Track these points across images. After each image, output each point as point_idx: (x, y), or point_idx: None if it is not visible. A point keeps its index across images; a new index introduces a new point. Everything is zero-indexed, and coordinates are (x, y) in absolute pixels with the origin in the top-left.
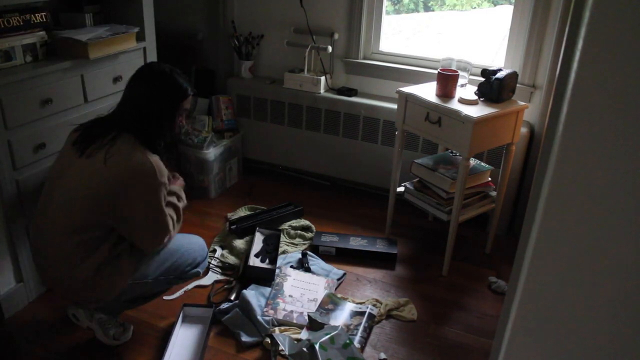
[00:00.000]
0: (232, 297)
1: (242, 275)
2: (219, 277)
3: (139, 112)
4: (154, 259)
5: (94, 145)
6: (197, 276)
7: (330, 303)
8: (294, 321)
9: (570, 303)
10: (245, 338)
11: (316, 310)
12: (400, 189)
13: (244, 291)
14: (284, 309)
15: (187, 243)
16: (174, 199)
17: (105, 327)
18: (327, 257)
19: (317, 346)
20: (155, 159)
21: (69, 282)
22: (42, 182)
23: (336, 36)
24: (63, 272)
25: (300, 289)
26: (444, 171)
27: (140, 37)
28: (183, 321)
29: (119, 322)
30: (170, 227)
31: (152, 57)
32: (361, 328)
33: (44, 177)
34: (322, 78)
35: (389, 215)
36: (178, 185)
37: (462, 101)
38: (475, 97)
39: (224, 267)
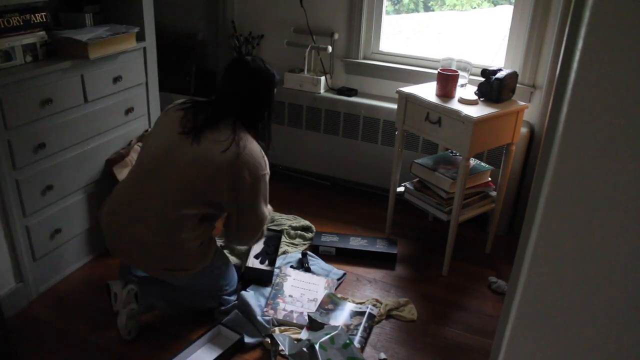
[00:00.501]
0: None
1: (242, 276)
2: None
3: (246, 107)
4: (220, 254)
5: (205, 133)
6: (225, 305)
7: (330, 303)
8: (294, 321)
9: (570, 303)
10: (247, 339)
11: (316, 310)
12: (400, 189)
13: (242, 292)
14: (284, 309)
15: (229, 265)
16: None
17: (129, 320)
18: (327, 257)
19: (317, 346)
20: (262, 151)
21: (167, 253)
22: (42, 181)
23: (336, 36)
24: (164, 245)
25: (300, 289)
26: (444, 171)
27: (140, 37)
28: (209, 340)
29: (138, 320)
30: (266, 215)
31: (152, 57)
32: (361, 328)
33: (44, 177)
34: (322, 78)
35: (389, 215)
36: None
37: (462, 101)
38: (475, 97)
39: None
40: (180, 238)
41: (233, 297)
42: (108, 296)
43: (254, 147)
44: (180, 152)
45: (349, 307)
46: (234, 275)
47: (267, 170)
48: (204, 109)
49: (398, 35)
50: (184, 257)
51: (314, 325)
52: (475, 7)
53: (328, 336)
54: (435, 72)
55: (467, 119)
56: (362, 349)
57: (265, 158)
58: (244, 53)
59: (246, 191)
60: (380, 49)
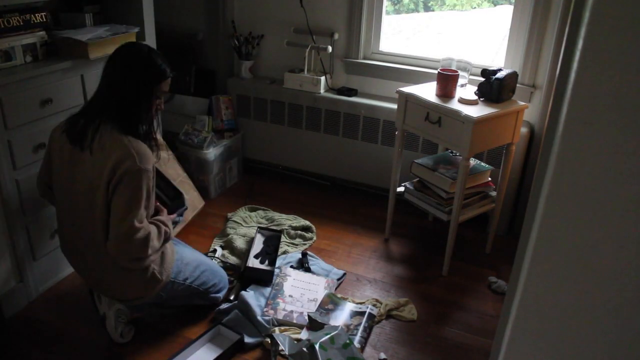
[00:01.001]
0: (232, 297)
1: (241, 276)
2: None
3: (117, 97)
4: (190, 261)
5: (87, 138)
6: (216, 302)
7: (330, 303)
8: (294, 321)
9: (570, 303)
10: (247, 339)
11: (316, 310)
12: (400, 189)
13: (242, 292)
14: (284, 309)
15: (214, 266)
16: (159, 223)
17: (118, 321)
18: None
19: (317, 346)
20: (136, 145)
21: (115, 285)
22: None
23: (336, 36)
24: (108, 277)
25: (300, 289)
26: (444, 171)
27: (140, 37)
28: (209, 340)
29: (128, 320)
30: (139, 224)
31: None
32: (361, 328)
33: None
34: (322, 78)
35: (389, 215)
36: (165, 217)
37: (462, 101)
38: (475, 97)
39: (225, 268)
40: (124, 271)
41: (220, 294)
42: (92, 301)
43: (119, 148)
44: (78, 175)
45: (349, 307)
46: (217, 274)
47: (140, 166)
48: (83, 115)
49: (398, 35)
50: (135, 287)
51: (314, 325)
52: (475, 7)
53: (328, 336)
54: (435, 72)
55: (467, 119)
56: (362, 349)
57: (141, 152)
58: (244, 53)
59: (122, 195)
60: (380, 49)
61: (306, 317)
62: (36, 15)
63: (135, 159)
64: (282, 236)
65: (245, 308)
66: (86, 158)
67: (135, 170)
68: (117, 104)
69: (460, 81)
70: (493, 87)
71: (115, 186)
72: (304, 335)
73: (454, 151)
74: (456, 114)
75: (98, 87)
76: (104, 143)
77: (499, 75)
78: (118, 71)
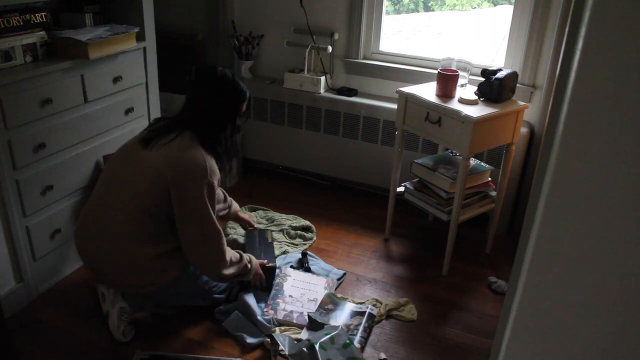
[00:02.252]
0: (232, 298)
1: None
2: None
3: (203, 115)
4: None
5: (156, 140)
6: (218, 303)
7: (330, 303)
8: (294, 321)
9: (570, 303)
10: (250, 340)
11: (316, 310)
12: (400, 189)
13: (242, 293)
14: (284, 309)
15: None
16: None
17: (121, 319)
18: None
19: (317, 346)
20: (209, 159)
21: (128, 270)
22: (42, 181)
23: (336, 36)
24: (123, 261)
25: (300, 289)
26: (444, 171)
27: (140, 37)
28: None
29: (130, 320)
30: (215, 235)
31: (152, 57)
32: (361, 328)
33: (44, 177)
34: (322, 78)
35: (389, 215)
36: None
37: (462, 101)
38: (475, 97)
39: None
40: (142, 253)
41: (224, 295)
42: (95, 299)
43: (195, 154)
44: (134, 162)
45: (349, 307)
46: None
47: (211, 180)
48: (162, 120)
49: (398, 35)
50: (148, 273)
51: (314, 325)
52: (475, 7)
53: (328, 336)
54: (435, 72)
55: (467, 119)
56: (362, 349)
57: (212, 168)
58: (244, 53)
59: (187, 199)
60: (380, 49)
61: (306, 317)
62: (36, 15)
63: (207, 173)
64: (282, 236)
65: (245, 309)
66: (147, 152)
67: (201, 184)
68: (205, 123)
69: (460, 81)
70: (493, 87)
71: (179, 190)
72: (304, 335)
73: (454, 151)
74: (456, 114)
75: (185, 107)
76: (182, 144)
77: (499, 75)
78: (207, 95)
